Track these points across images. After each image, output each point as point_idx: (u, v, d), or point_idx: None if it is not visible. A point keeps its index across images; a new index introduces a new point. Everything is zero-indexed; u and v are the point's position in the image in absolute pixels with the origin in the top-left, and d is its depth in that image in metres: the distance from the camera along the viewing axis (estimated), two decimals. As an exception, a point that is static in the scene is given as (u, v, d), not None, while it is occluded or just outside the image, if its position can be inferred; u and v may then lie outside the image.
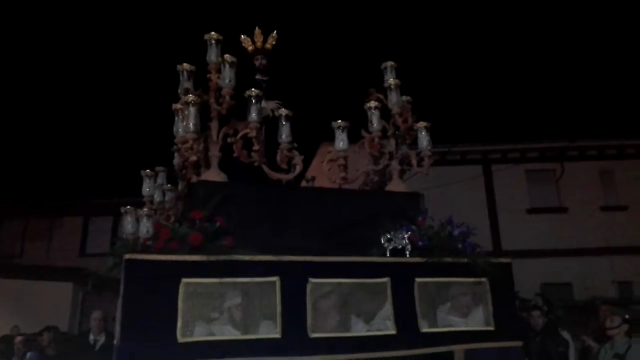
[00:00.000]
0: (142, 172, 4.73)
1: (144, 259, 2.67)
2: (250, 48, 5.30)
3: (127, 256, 2.67)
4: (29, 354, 6.86)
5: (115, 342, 2.71)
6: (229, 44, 4.15)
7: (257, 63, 5.23)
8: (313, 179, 5.08)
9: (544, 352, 5.50)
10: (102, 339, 5.77)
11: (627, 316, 5.08)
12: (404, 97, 4.28)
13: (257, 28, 5.38)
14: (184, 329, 2.59)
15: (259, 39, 5.34)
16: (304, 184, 5.00)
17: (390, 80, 4.15)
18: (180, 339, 2.56)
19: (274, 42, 5.33)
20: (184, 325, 2.61)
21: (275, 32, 5.37)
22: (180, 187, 4.78)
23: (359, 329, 3.08)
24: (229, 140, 3.82)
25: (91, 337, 5.82)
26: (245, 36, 5.30)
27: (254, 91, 3.77)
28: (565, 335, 5.87)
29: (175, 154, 4.88)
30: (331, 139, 4.18)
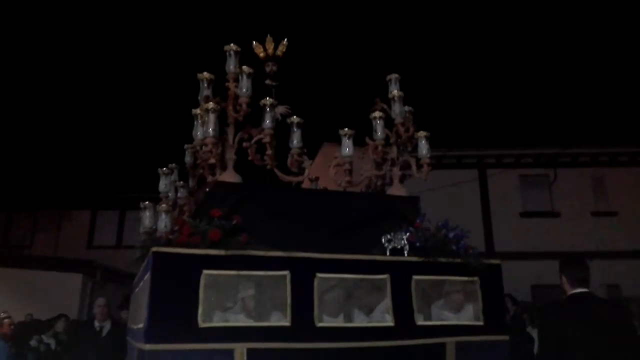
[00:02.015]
0: (159, 170, 4.95)
1: (170, 252, 2.89)
2: (261, 54, 5.52)
3: (154, 249, 2.89)
4: None
5: (142, 325, 2.94)
6: (242, 51, 4.40)
7: (267, 69, 5.45)
8: (317, 179, 5.30)
9: (512, 347, 5.91)
10: (107, 326, 5.89)
11: None
12: (406, 108, 4.52)
13: (268, 35, 5.61)
14: (204, 315, 2.82)
15: (270, 46, 5.57)
16: (307, 183, 5.23)
17: (395, 91, 4.39)
18: (201, 324, 2.79)
19: (284, 50, 5.56)
20: (204, 312, 2.83)
21: (285, 39, 5.60)
22: (191, 183, 5.02)
23: (360, 320, 3.31)
24: (244, 144, 4.08)
25: (96, 324, 5.94)
26: (257, 43, 5.52)
27: (268, 100, 4.03)
28: (532, 332, 6.28)
29: (187, 153, 5.13)
30: (333, 139, 4.38)
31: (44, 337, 7.67)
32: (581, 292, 3.42)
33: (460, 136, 14.84)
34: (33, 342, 7.34)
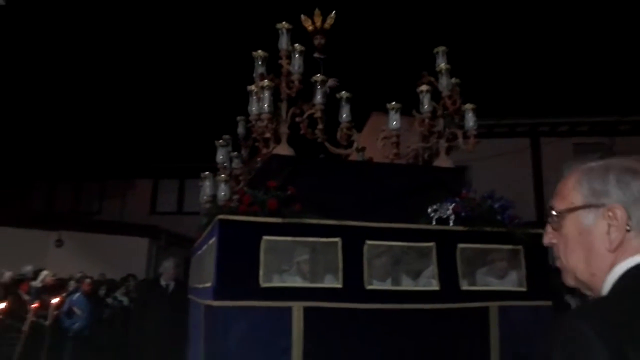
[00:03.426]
0: (217, 142, 5.24)
1: (234, 219, 3.16)
2: (310, 28, 5.63)
3: (220, 217, 3.16)
4: (76, 296, 7.24)
5: (209, 284, 3.24)
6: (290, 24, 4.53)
7: (315, 42, 5.56)
8: (363, 149, 5.42)
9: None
10: (172, 284, 6.38)
11: None
12: (453, 80, 4.55)
13: (316, 9, 5.70)
14: (264, 276, 3.08)
15: (318, 19, 5.66)
16: (354, 154, 5.37)
17: (442, 64, 4.43)
18: (262, 284, 3.06)
19: (332, 23, 5.64)
20: (264, 273, 3.10)
21: (333, 12, 5.67)
22: (244, 154, 5.28)
23: (407, 284, 3.50)
24: (296, 119, 4.27)
25: (162, 282, 6.39)
26: (306, 17, 5.62)
27: (319, 77, 4.18)
28: (570, 300, 6.28)
29: (239, 125, 5.38)
30: (381, 109, 4.48)
31: (117, 294, 8.34)
32: None
33: (512, 104, 14.39)
34: (109, 299, 8.02)
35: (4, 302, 5.19)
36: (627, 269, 0.96)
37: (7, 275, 7.32)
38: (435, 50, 4.54)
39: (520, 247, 3.63)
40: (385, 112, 4.36)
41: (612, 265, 0.98)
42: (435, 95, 4.44)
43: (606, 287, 0.98)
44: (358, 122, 4.69)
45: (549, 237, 1.11)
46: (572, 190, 1.06)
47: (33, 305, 5.96)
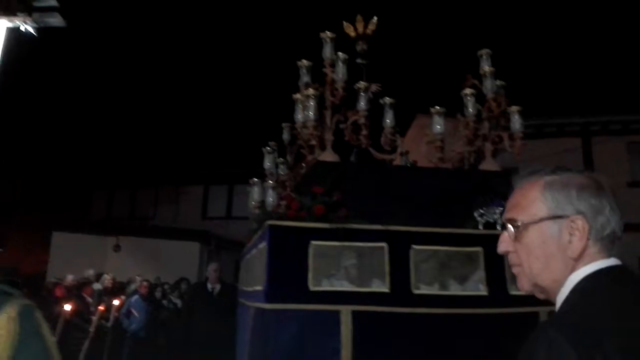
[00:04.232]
0: (264, 149, 5.36)
1: (283, 224, 3.24)
2: (352, 34, 5.68)
3: (270, 222, 3.26)
4: (134, 298, 7.56)
5: (260, 287, 3.33)
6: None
7: (358, 48, 5.59)
8: (407, 152, 5.40)
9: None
10: (218, 287, 6.55)
11: None
12: (498, 82, 4.48)
13: (358, 15, 5.73)
14: (313, 280, 3.14)
15: (360, 25, 5.70)
16: (398, 157, 5.36)
17: (486, 67, 4.37)
18: (312, 287, 3.12)
19: (374, 28, 5.66)
20: (313, 277, 3.16)
21: (375, 18, 5.69)
22: (289, 159, 5.37)
23: (455, 289, 3.46)
24: (340, 126, 4.32)
25: (209, 285, 6.57)
26: (348, 23, 5.67)
27: (362, 84, 4.22)
28: None
29: (284, 131, 5.48)
30: (425, 110, 4.45)
31: (171, 297, 8.64)
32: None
33: (562, 103, 13.90)
34: (164, 302, 8.31)
35: (69, 303, 5.49)
36: (585, 275, 1.05)
37: (70, 278, 7.73)
38: (479, 53, 4.49)
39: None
40: (430, 113, 4.35)
41: (572, 271, 1.07)
42: (480, 97, 4.39)
43: (564, 290, 1.07)
44: (402, 124, 4.69)
45: (504, 245, 1.16)
46: (534, 202, 1.11)
47: (100, 307, 6.27)
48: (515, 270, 1.15)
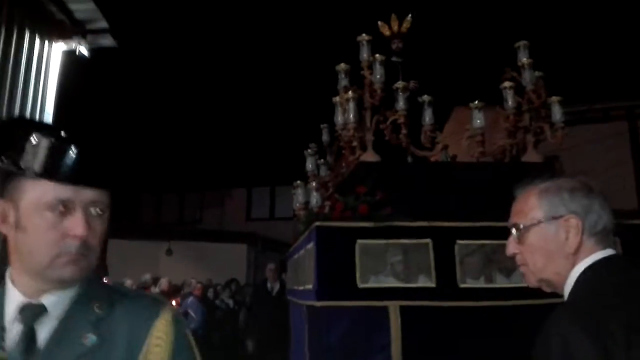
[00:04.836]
0: (305, 152, 5.49)
1: (329, 225, 3.35)
2: (387, 33, 5.72)
3: (317, 224, 3.37)
4: (189, 300, 7.91)
5: (310, 286, 3.46)
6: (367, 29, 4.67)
7: (393, 46, 5.63)
8: (446, 147, 5.39)
9: None
10: (277, 286, 6.74)
11: None
12: (537, 73, 4.43)
13: (392, 14, 5.77)
14: (361, 277, 3.24)
15: (394, 23, 5.73)
16: (438, 153, 5.36)
17: (524, 59, 4.34)
18: (359, 284, 3.21)
19: (408, 26, 5.69)
20: (361, 275, 3.25)
21: (409, 16, 5.71)
22: (329, 159, 5.47)
23: (501, 281, 3.48)
24: (380, 126, 4.39)
25: (268, 285, 6.79)
26: (382, 22, 5.72)
27: (400, 84, 4.28)
28: None
29: (323, 132, 5.58)
30: (463, 103, 4.44)
31: (223, 297, 8.93)
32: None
33: (606, 87, 13.39)
34: (217, 302, 8.61)
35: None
36: (586, 267, 1.19)
37: (128, 283, 8.12)
38: (517, 44, 4.45)
39: (616, 238, 3.46)
40: (468, 105, 4.35)
41: (573, 265, 1.21)
42: (519, 89, 4.36)
43: (570, 282, 1.21)
44: (440, 118, 4.70)
45: (511, 248, 1.32)
46: (533, 208, 1.27)
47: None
48: (522, 269, 1.31)
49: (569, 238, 1.21)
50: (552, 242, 1.22)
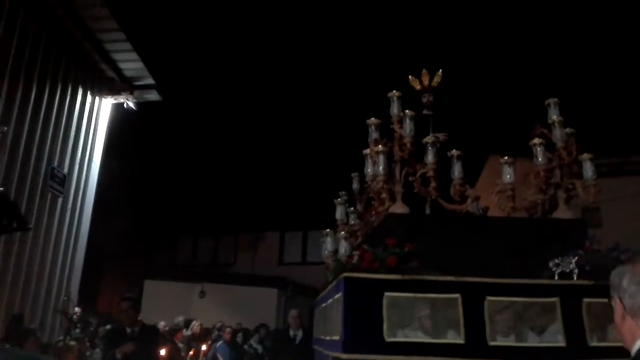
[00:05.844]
0: (335, 201, 5.56)
1: (357, 276, 3.36)
2: (417, 87, 5.83)
3: (345, 274, 3.39)
4: (219, 344, 7.89)
5: (337, 337, 3.44)
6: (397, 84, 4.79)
7: (424, 100, 5.72)
8: (478, 198, 5.34)
9: None
10: (300, 334, 6.63)
11: None
12: (567, 130, 4.42)
13: (423, 69, 5.90)
14: (388, 331, 3.21)
15: (425, 78, 5.85)
16: (469, 204, 5.31)
17: (554, 116, 4.35)
18: (387, 338, 3.18)
19: (439, 80, 5.79)
20: (388, 328, 3.23)
21: (440, 70, 5.82)
22: (359, 208, 5.50)
23: (532, 340, 3.38)
24: (409, 178, 4.43)
25: (291, 332, 6.67)
26: (413, 77, 5.84)
27: (430, 138, 4.35)
28: None
29: (354, 180, 5.65)
30: (498, 151, 4.42)
31: (252, 342, 8.87)
32: None
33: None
34: (246, 347, 8.55)
35: (164, 348, 5.85)
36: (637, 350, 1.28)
37: (162, 324, 8.19)
38: (547, 102, 4.48)
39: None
40: (502, 153, 4.34)
41: (634, 340, 1.31)
42: (550, 145, 4.34)
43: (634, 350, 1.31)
44: (473, 167, 4.70)
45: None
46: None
47: (190, 353, 6.61)
48: None
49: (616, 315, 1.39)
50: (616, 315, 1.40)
